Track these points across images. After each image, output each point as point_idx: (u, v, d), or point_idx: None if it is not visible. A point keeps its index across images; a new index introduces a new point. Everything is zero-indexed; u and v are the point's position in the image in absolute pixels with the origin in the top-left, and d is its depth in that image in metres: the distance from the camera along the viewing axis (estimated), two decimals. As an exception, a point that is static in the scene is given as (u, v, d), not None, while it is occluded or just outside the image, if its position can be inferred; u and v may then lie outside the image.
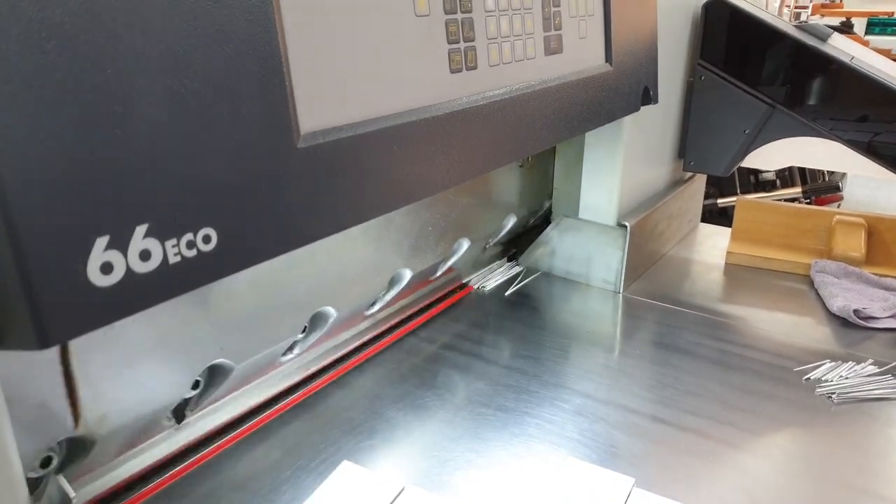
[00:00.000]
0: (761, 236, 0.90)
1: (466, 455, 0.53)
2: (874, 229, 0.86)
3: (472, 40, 0.45)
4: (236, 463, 0.51)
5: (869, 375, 0.64)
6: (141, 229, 0.26)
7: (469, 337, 0.70)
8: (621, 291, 0.80)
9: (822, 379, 0.63)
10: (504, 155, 0.49)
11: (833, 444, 0.55)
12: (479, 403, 0.59)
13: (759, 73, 0.86)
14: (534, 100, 0.52)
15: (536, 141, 0.54)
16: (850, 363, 0.66)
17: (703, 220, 1.72)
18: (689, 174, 0.98)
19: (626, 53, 0.65)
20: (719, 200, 1.71)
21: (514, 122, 0.50)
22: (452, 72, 0.44)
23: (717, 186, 1.76)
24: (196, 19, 0.28)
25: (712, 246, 0.95)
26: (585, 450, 0.54)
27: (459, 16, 0.44)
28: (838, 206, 2.44)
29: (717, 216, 1.78)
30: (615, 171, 0.78)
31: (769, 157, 0.93)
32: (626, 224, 0.78)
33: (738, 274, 0.87)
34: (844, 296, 0.77)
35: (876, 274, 0.82)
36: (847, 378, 0.63)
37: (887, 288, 0.79)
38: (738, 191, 1.70)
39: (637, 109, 0.69)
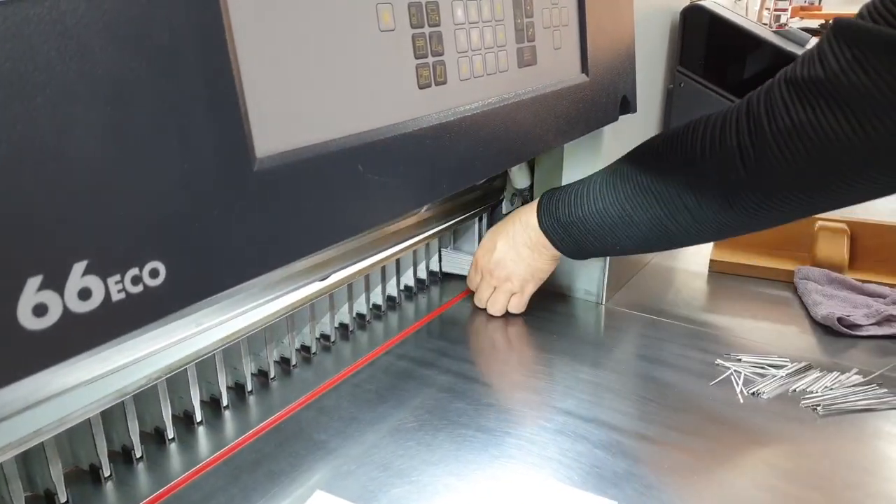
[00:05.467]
0: (745, 243, 0.90)
1: (445, 479, 0.51)
2: (857, 235, 0.86)
3: (441, 54, 0.44)
4: (203, 491, 0.50)
5: (854, 385, 0.63)
6: (79, 266, 0.25)
7: (449, 353, 0.69)
8: (604, 303, 0.79)
9: (808, 390, 0.62)
10: (477, 171, 0.48)
11: (819, 457, 0.54)
12: (459, 424, 0.57)
13: (737, 80, 0.85)
14: (507, 113, 0.51)
15: (510, 155, 0.53)
16: (835, 373, 0.65)
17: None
18: (671, 181, 0.97)
19: (603, 63, 0.64)
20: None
21: (487, 136, 0.49)
22: (420, 87, 0.42)
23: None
24: (137, 41, 0.26)
25: (695, 253, 0.94)
26: (568, 471, 0.52)
27: (427, 30, 0.42)
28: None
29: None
30: (595, 182, 0.77)
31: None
32: (608, 235, 0.77)
33: (721, 282, 0.86)
34: (828, 303, 0.76)
35: (859, 280, 0.82)
36: (832, 389, 0.62)
37: (871, 294, 0.79)
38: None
39: (615, 119, 0.68)
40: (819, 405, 0.60)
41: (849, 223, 0.86)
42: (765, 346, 0.70)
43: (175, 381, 0.55)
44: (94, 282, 0.25)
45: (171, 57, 0.27)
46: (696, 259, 0.92)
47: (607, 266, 0.78)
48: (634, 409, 0.60)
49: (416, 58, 0.42)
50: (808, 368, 0.66)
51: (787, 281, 0.85)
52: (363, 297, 0.74)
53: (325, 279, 0.61)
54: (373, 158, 0.39)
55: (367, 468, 0.52)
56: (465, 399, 0.61)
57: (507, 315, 0.79)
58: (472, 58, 0.47)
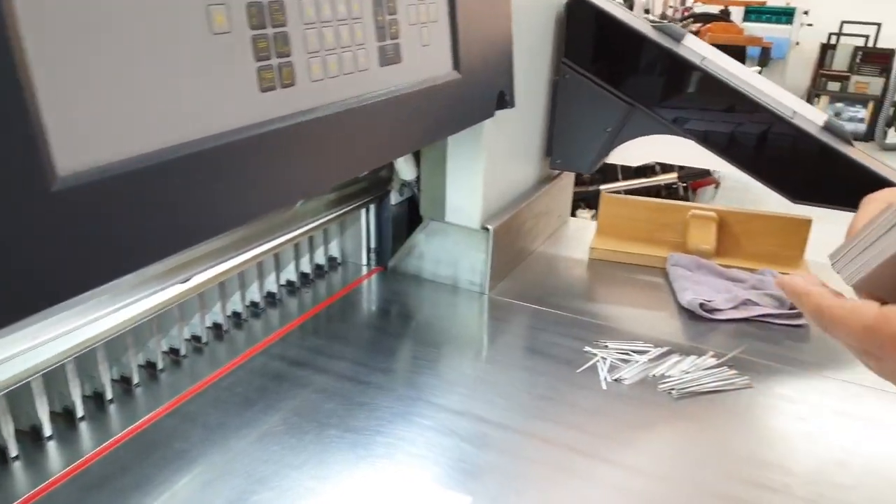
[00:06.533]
0: (624, 231, 0.93)
1: (308, 483, 0.51)
2: (724, 222, 0.91)
3: (288, 55, 0.42)
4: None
5: (707, 368, 0.67)
6: None
7: (326, 352, 0.68)
8: (487, 293, 0.81)
9: (666, 375, 0.66)
10: (333, 173, 0.47)
11: (672, 439, 0.58)
12: (328, 426, 0.57)
13: (619, 73, 0.87)
14: (367, 114, 0.50)
15: (374, 156, 0.52)
16: (693, 357, 0.69)
17: (590, 206, 1.77)
18: (557, 171, 0.99)
19: (477, 59, 0.64)
20: (602, 187, 1.77)
21: (344, 138, 0.48)
22: (263, 91, 0.41)
23: (602, 173, 1.82)
24: None
25: (580, 241, 0.97)
26: (433, 467, 0.53)
27: (270, 30, 0.41)
28: (716, 188, 2.59)
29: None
30: (477, 174, 0.78)
31: (631, 153, 0.96)
32: (489, 227, 0.78)
33: (600, 269, 0.90)
34: (694, 289, 0.81)
35: (725, 265, 0.87)
36: (688, 372, 0.66)
37: (733, 279, 0.84)
38: (620, 177, 1.76)
39: (492, 115, 0.69)
40: (674, 389, 0.64)
41: (718, 211, 0.91)
42: (633, 332, 0.74)
43: (18, 394, 0.52)
44: None
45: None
46: (579, 247, 0.95)
47: (490, 256, 0.79)
48: (504, 401, 0.61)
49: (258, 60, 0.40)
50: (669, 353, 0.70)
51: (661, 267, 0.89)
52: (238, 294, 0.72)
53: (186, 281, 0.58)
54: (203, 168, 0.37)
55: (228, 477, 0.51)
56: (338, 399, 0.61)
57: (392, 308, 0.79)
58: (326, 58, 0.46)
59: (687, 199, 1.98)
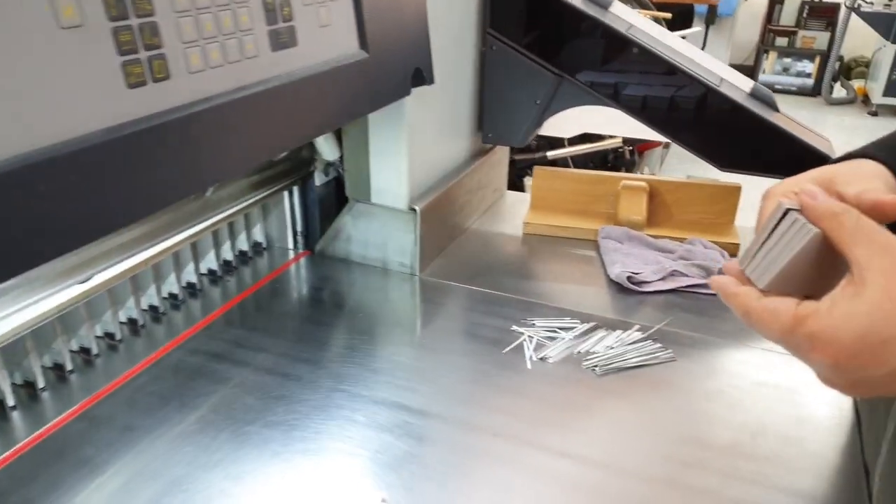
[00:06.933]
0: (557, 204, 0.93)
1: (221, 484, 0.50)
2: (656, 192, 0.91)
3: (159, 47, 0.40)
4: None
5: (632, 343, 0.68)
6: None
7: (246, 344, 0.66)
8: (417, 274, 0.80)
9: (591, 351, 0.66)
10: (225, 166, 0.45)
11: (595, 416, 0.58)
12: (244, 422, 0.56)
13: (545, 43, 0.86)
14: (260, 102, 0.47)
15: (273, 144, 0.50)
16: (619, 331, 0.69)
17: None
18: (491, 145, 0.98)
19: (387, 37, 0.61)
20: (549, 153, 1.76)
21: (235, 129, 0.46)
22: (131, 87, 0.38)
23: (547, 139, 1.80)
24: None
25: (515, 215, 0.97)
26: (351, 459, 0.53)
27: (135, 21, 0.38)
28: (665, 149, 2.61)
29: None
30: (401, 153, 0.76)
31: (563, 125, 0.95)
32: (416, 208, 0.77)
33: (534, 244, 0.89)
34: (623, 261, 0.81)
35: (655, 236, 0.87)
36: (612, 348, 0.67)
37: (662, 250, 0.84)
38: (566, 143, 1.75)
39: (407, 93, 0.67)
40: (597, 366, 0.64)
41: (649, 181, 0.91)
42: (562, 308, 0.74)
43: None
44: None
45: None
46: (514, 222, 0.95)
47: (419, 237, 0.78)
48: (429, 387, 0.61)
49: (122, 54, 0.38)
50: (595, 329, 0.70)
51: (594, 240, 0.89)
52: (153, 287, 0.69)
53: (85, 281, 0.56)
54: (69, 171, 0.35)
55: (137, 481, 0.50)
56: (257, 393, 0.59)
57: (319, 294, 0.77)
58: (206, 47, 0.43)
59: (634, 163, 1.99)
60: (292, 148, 0.52)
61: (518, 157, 1.75)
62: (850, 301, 0.33)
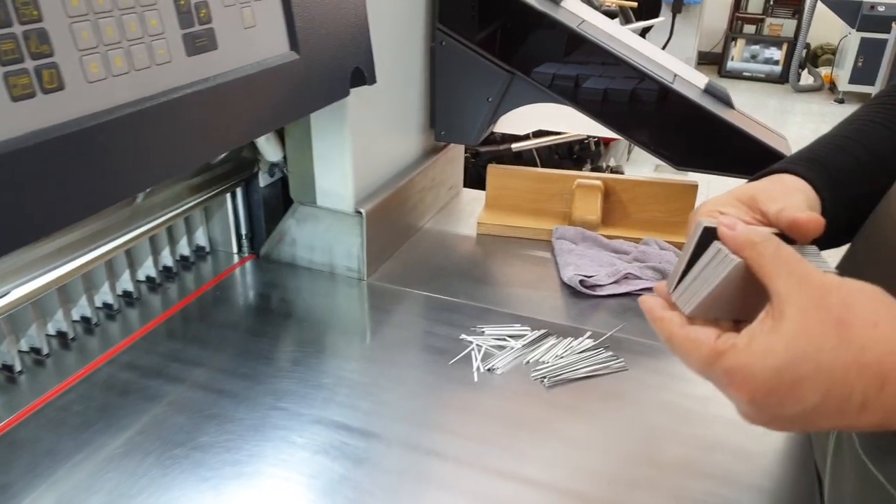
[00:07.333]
0: (512, 203, 0.91)
1: (143, 514, 0.47)
2: (611, 190, 0.90)
3: (49, 55, 0.36)
4: None
5: (583, 351, 0.66)
6: None
7: (182, 357, 0.64)
8: (365, 279, 0.77)
9: (540, 361, 0.65)
10: (130, 183, 0.42)
11: (539, 435, 0.56)
12: (173, 444, 0.53)
13: (495, 39, 0.83)
14: (174, 110, 0.44)
15: (192, 154, 0.47)
16: (570, 339, 0.68)
17: (503, 164, 1.75)
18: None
19: (322, 36, 0.58)
20: (514, 145, 1.74)
21: (147, 139, 0.43)
22: (16, 100, 0.35)
23: (513, 130, 1.78)
24: None
25: (471, 214, 0.94)
26: (283, 485, 0.50)
27: (18, 28, 0.35)
28: (630, 146, 2.60)
29: (515, 160, 1.82)
30: (345, 155, 0.73)
31: (519, 122, 0.93)
32: (362, 211, 0.74)
33: (488, 245, 0.87)
34: (577, 263, 0.79)
35: (610, 236, 0.86)
36: (562, 357, 0.65)
37: (616, 251, 0.83)
38: (530, 135, 1.73)
39: (346, 94, 0.64)
40: (546, 377, 0.62)
41: (604, 180, 0.89)
42: (513, 313, 0.72)
43: None
44: None
45: None
46: (470, 221, 0.92)
47: (365, 241, 0.75)
48: (370, 404, 0.59)
49: (4, 64, 0.34)
50: (545, 336, 0.68)
51: (549, 240, 0.88)
52: (84, 298, 0.66)
53: (3, 296, 0.52)
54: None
55: (51, 515, 0.47)
56: (188, 412, 0.57)
57: (262, 302, 0.75)
58: (108, 54, 0.40)
59: (599, 154, 1.98)
60: (218, 156, 0.49)
61: (483, 149, 1.73)
62: (768, 336, 0.32)
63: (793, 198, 0.38)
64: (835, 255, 0.46)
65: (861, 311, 0.31)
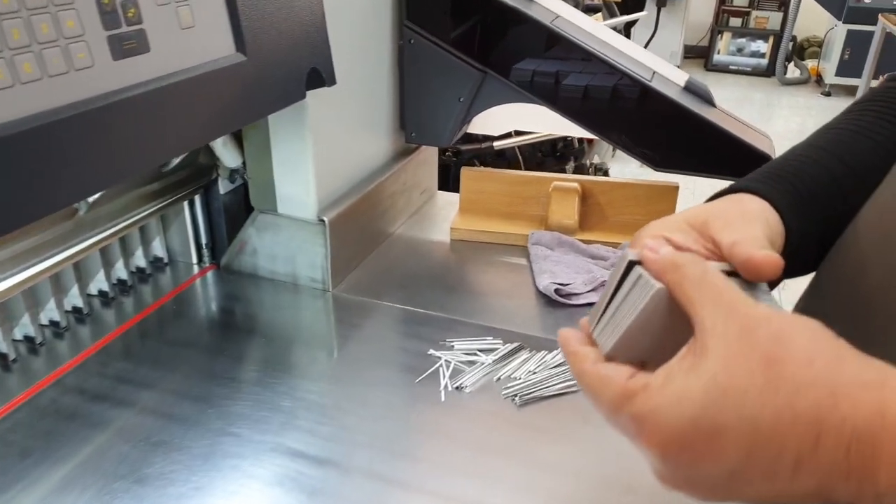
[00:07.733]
0: (486, 207, 0.87)
1: (76, 559, 0.44)
2: (589, 193, 0.86)
3: (-57, 62, 0.33)
4: None
5: (557, 366, 0.63)
6: None
7: (133, 379, 0.60)
8: (330, 290, 0.74)
9: (511, 377, 0.61)
10: (45, 201, 0.38)
11: (507, 460, 0.53)
12: (115, 477, 0.50)
13: (466, 37, 0.80)
14: (97, 119, 0.40)
15: (120, 166, 0.43)
16: (543, 352, 0.65)
17: (485, 164, 1.70)
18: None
19: (272, 36, 0.55)
20: (496, 143, 1.70)
21: (59, 154, 0.39)
22: None
23: (496, 127, 1.74)
24: None
25: (445, 219, 0.91)
26: (231, 519, 0.47)
27: None
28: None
29: (497, 158, 1.79)
30: (306, 160, 0.69)
31: (493, 123, 0.90)
32: (325, 219, 0.70)
33: (462, 251, 0.84)
34: (552, 270, 0.76)
35: (590, 240, 0.82)
36: (535, 373, 0.62)
37: (593, 257, 0.80)
38: (512, 133, 1.70)
39: (302, 97, 0.60)
40: (517, 395, 0.59)
41: (581, 182, 0.86)
42: (485, 325, 0.69)
43: None
44: None
45: None
46: (444, 226, 0.89)
47: (330, 251, 0.72)
48: (329, 428, 0.55)
49: None
50: (518, 350, 0.65)
51: (525, 245, 0.84)
52: (27, 316, 0.62)
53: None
54: None
55: (-28, 562, 0.43)
56: (134, 440, 0.53)
57: (222, 316, 0.71)
58: (14, 59, 0.36)
59: (583, 152, 1.94)
60: (157, 165, 0.45)
61: (464, 147, 1.69)
62: (686, 376, 0.26)
63: (751, 227, 0.33)
64: (802, 283, 0.43)
65: (794, 347, 0.25)
